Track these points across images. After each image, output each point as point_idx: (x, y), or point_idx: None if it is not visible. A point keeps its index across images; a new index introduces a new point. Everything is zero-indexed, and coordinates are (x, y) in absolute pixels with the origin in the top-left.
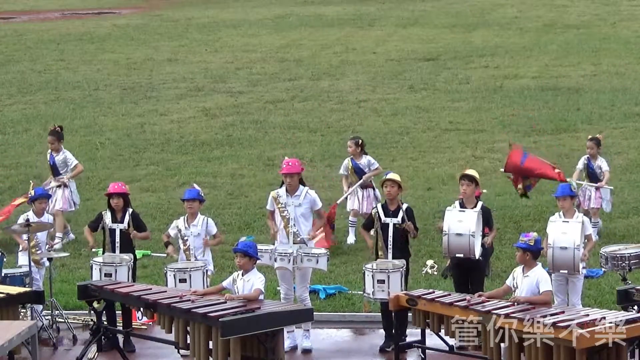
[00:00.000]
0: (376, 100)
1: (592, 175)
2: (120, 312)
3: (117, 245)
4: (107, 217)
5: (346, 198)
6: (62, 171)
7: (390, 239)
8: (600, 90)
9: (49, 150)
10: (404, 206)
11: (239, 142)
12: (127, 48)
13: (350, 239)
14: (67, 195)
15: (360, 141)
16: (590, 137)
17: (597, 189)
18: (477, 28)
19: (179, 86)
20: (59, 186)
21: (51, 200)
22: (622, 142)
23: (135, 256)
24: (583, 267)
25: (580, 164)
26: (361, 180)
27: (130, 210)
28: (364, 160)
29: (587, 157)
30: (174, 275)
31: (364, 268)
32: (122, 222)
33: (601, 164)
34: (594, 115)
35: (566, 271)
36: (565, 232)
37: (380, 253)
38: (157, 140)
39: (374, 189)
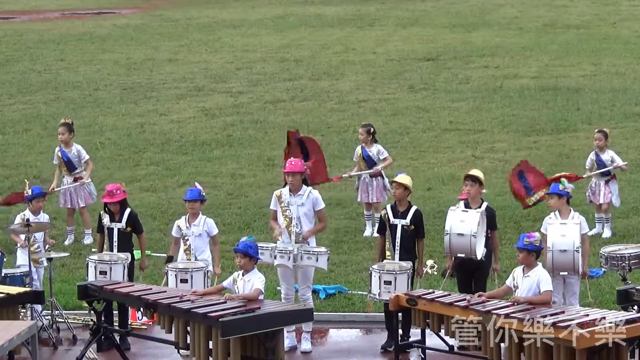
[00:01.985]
0: (376, 100)
1: (601, 168)
2: (117, 311)
3: (115, 244)
4: (105, 217)
5: (355, 179)
6: (78, 166)
7: (398, 240)
8: (600, 90)
9: (59, 146)
10: (413, 208)
11: (239, 142)
12: (127, 48)
13: (368, 231)
14: (87, 190)
15: (371, 129)
16: (597, 129)
17: (606, 183)
18: (477, 28)
19: (179, 86)
20: (74, 180)
21: (72, 198)
22: (622, 142)
23: (133, 256)
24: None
25: (589, 162)
26: (371, 171)
27: (129, 210)
28: (374, 149)
29: (595, 152)
30: (175, 275)
31: (370, 268)
32: (119, 221)
33: (614, 156)
34: (594, 115)
35: (566, 273)
36: (564, 235)
37: (387, 254)
38: (157, 140)
39: (383, 178)
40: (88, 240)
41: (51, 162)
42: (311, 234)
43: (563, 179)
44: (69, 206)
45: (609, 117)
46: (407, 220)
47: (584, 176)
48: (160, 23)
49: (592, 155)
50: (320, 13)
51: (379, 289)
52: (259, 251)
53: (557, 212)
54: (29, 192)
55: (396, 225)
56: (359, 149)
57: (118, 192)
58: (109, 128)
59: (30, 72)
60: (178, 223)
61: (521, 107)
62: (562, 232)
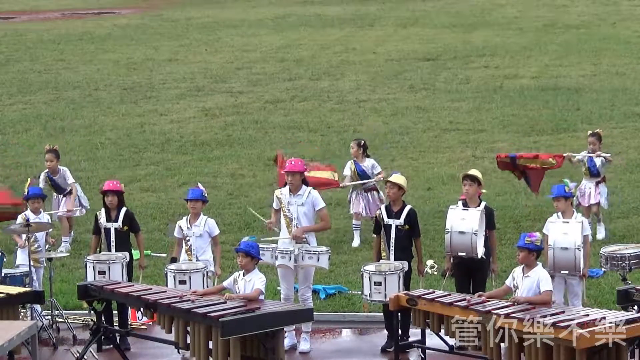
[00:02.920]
0: (376, 100)
1: (593, 170)
2: (117, 311)
3: (113, 244)
4: (102, 216)
5: (348, 191)
6: (65, 186)
7: (392, 240)
8: (600, 90)
9: (45, 172)
10: (407, 208)
11: (239, 142)
12: (127, 48)
13: (355, 242)
14: (75, 202)
15: (362, 142)
16: (590, 132)
17: (596, 185)
18: (477, 28)
19: (179, 86)
20: (63, 195)
21: (57, 204)
22: (622, 142)
23: (131, 255)
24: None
25: (580, 157)
26: (365, 181)
27: (125, 209)
28: (367, 163)
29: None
30: (173, 276)
31: (362, 270)
32: (116, 220)
33: (604, 158)
34: (594, 115)
35: (567, 272)
36: (566, 233)
37: (383, 254)
38: (157, 140)
39: (378, 192)
40: (65, 247)
41: (38, 184)
42: (304, 231)
43: (566, 180)
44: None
45: (609, 117)
46: (401, 220)
47: (564, 155)
48: (160, 23)
49: (584, 155)
50: (320, 13)
51: (370, 290)
52: (260, 252)
53: (559, 213)
54: (27, 191)
55: (390, 225)
56: (350, 164)
57: (118, 185)
58: (109, 128)
59: (30, 72)
60: (179, 224)
61: (521, 107)
62: (564, 230)
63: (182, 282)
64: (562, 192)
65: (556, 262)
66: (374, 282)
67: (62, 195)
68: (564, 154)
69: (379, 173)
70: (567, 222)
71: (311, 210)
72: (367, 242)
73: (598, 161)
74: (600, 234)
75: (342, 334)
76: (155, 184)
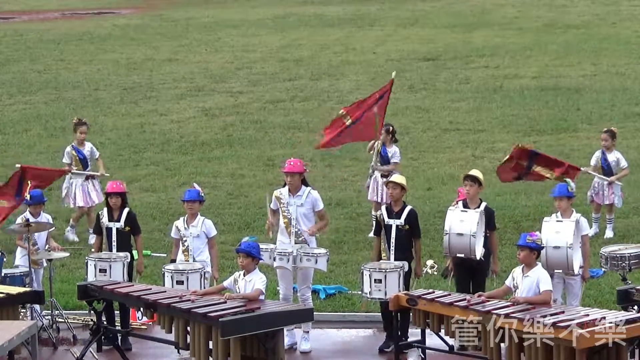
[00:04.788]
0: None
1: (606, 169)
2: (118, 311)
3: (114, 244)
4: (104, 215)
5: (367, 177)
6: (91, 163)
7: (392, 240)
8: (600, 90)
9: (73, 144)
10: (408, 208)
11: (239, 142)
12: (127, 48)
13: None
14: (86, 191)
15: (390, 128)
16: (605, 129)
17: (609, 184)
18: (477, 28)
19: (179, 86)
20: (86, 178)
21: (71, 196)
22: (622, 142)
23: (132, 255)
24: (580, 267)
25: (594, 160)
26: (375, 172)
27: (127, 210)
28: (392, 150)
29: (602, 151)
30: (171, 276)
31: (362, 267)
32: (118, 220)
33: (619, 158)
34: (594, 115)
35: (561, 270)
36: (558, 232)
37: (383, 254)
38: (157, 140)
39: None
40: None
41: (61, 161)
42: (316, 229)
43: (568, 179)
44: (82, 204)
45: (609, 117)
46: (402, 220)
47: (582, 169)
48: (160, 23)
49: (598, 153)
50: (320, 13)
51: (370, 287)
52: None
53: (558, 213)
54: (29, 197)
55: (391, 225)
56: (378, 144)
57: (121, 185)
58: (109, 128)
59: (30, 72)
60: (176, 224)
61: (521, 107)
62: (557, 229)
63: (180, 282)
64: (565, 192)
65: (549, 261)
66: (375, 280)
67: (84, 178)
68: (582, 169)
69: (394, 163)
70: (561, 221)
71: (311, 210)
72: (366, 241)
73: (612, 159)
74: (608, 234)
75: (342, 334)
76: (155, 184)
